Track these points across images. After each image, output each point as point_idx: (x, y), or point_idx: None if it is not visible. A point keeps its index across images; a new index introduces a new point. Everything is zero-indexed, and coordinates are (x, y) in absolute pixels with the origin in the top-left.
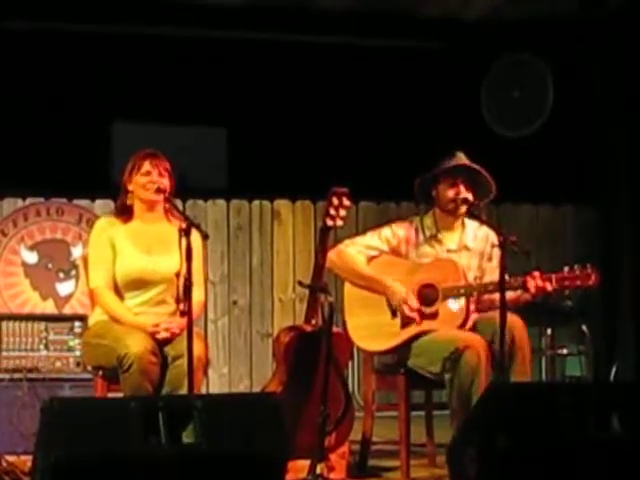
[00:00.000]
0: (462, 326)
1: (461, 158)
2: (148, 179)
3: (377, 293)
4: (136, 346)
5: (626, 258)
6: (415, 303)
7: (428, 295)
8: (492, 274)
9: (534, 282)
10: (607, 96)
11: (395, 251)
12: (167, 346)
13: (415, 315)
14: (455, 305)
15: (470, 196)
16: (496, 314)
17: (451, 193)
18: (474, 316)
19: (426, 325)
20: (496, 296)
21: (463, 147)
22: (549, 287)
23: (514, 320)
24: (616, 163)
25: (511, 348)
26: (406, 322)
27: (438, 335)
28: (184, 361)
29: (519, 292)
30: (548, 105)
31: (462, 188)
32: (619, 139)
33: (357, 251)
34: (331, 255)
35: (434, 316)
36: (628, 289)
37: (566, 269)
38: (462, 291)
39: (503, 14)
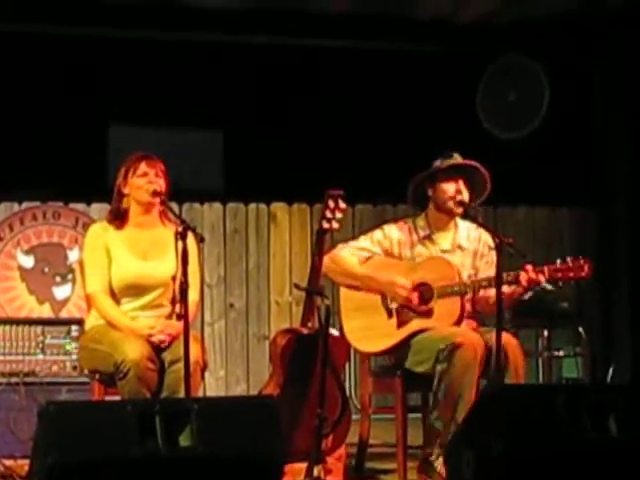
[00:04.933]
0: (457, 323)
1: (458, 158)
2: (145, 180)
3: (373, 292)
4: (133, 352)
5: (622, 260)
6: (409, 285)
7: (423, 294)
8: (485, 272)
9: (527, 275)
10: (605, 98)
11: (388, 253)
12: (164, 351)
13: (411, 296)
14: None
15: (467, 196)
16: (492, 335)
17: (451, 191)
18: (472, 323)
19: (422, 323)
20: (491, 293)
21: (460, 149)
22: (542, 279)
23: (509, 339)
24: (612, 166)
25: (504, 365)
26: (402, 321)
27: (434, 333)
28: (181, 365)
29: (513, 288)
30: (544, 107)
31: (461, 186)
32: (616, 142)
33: (350, 253)
34: (325, 260)
35: (429, 314)
36: (624, 291)
37: (559, 261)
38: (456, 289)
39: (498, 16)
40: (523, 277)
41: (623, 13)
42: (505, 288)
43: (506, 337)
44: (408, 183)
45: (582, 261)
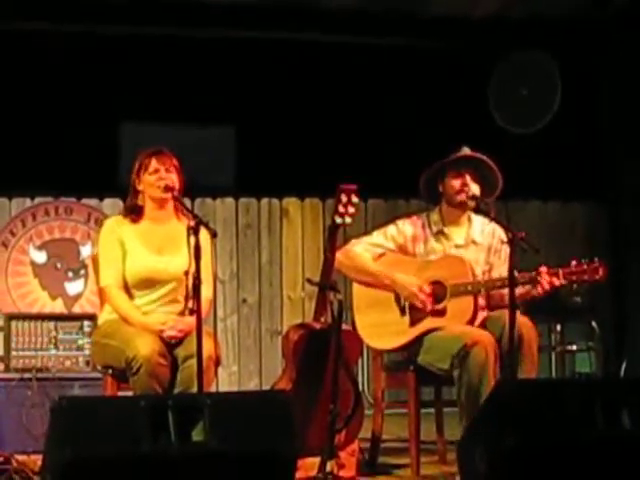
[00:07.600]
0: (470, 322)
1: (466, 150)
2: (156, 176)
3: (385, 289)
4: (145, 348)
5: (634, 254)
6: (428, 289)
7: (436, 292)
8: (499, 269)
9: (541, 278)
10: (615, 93)
11: (402, 249)
12: (178, 347)
13: (428, 302)
14: None
15: (477, 189)
16: (505, 312)
17: (457, 184)
18: (483, 314)
19: (434, 322)
20: (505, 291)
21: (471, 144)
22: (557, 282)
23: (523, 320)
24: (624, 160)
25: (519, 347)
26: (415, 319)
27: (446, 332)
28: (195, 361)
29: (527, 288)
30: (556, 102)
31: (468, 179)
32: (627, 136)
33: (363, 249)
34: (338, 255)
35: (442, 313)
36: (636, 285)
37: (573, 263)
38: (470, 288)
39: (511, 12)
40: (537, 280)
41: (631, 11)
42: (519, 288)
43: (521, 319)
44: (420, 178)
45: (597, 264)
